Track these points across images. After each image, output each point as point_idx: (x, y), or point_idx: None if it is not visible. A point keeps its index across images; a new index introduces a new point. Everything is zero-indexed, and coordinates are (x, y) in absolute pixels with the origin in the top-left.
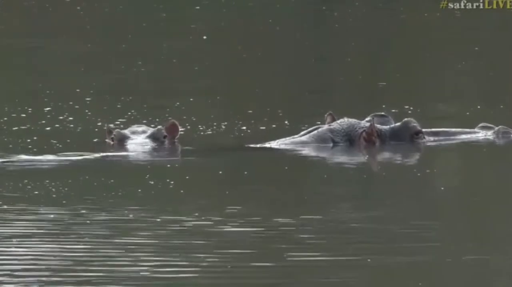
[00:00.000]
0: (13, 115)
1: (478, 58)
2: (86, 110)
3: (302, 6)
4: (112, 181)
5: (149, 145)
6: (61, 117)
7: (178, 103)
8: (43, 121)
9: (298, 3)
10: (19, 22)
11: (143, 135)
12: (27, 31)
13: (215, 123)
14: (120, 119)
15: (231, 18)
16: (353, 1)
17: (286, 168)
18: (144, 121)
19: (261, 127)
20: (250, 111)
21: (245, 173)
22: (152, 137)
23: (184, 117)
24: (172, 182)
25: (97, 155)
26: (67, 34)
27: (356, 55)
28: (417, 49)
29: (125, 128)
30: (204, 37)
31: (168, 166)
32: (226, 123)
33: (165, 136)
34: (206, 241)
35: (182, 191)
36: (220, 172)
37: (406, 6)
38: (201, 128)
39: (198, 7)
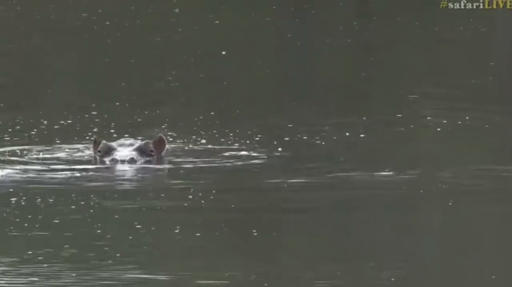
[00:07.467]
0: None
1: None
2: (71, 119)
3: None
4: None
5: (134, 157)
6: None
7: (168, 113)
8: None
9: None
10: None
11: (130, 148)
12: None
13: (204, 139)
14: (107, 129)
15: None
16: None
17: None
18: (126, 134)
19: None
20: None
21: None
22: (139, 150)
23: (172, 127)
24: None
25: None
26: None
27: (350, 57)
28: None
29: (113, 140)
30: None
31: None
32: (217, 136)
33: (152, 151)
34: None
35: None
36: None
37: (401, 6)
38: (190, 140)
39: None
